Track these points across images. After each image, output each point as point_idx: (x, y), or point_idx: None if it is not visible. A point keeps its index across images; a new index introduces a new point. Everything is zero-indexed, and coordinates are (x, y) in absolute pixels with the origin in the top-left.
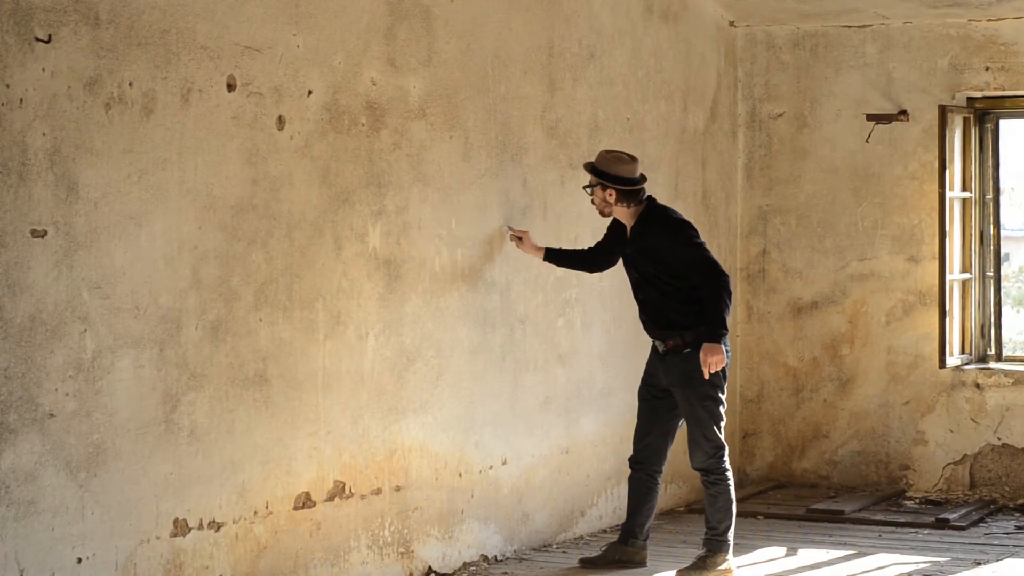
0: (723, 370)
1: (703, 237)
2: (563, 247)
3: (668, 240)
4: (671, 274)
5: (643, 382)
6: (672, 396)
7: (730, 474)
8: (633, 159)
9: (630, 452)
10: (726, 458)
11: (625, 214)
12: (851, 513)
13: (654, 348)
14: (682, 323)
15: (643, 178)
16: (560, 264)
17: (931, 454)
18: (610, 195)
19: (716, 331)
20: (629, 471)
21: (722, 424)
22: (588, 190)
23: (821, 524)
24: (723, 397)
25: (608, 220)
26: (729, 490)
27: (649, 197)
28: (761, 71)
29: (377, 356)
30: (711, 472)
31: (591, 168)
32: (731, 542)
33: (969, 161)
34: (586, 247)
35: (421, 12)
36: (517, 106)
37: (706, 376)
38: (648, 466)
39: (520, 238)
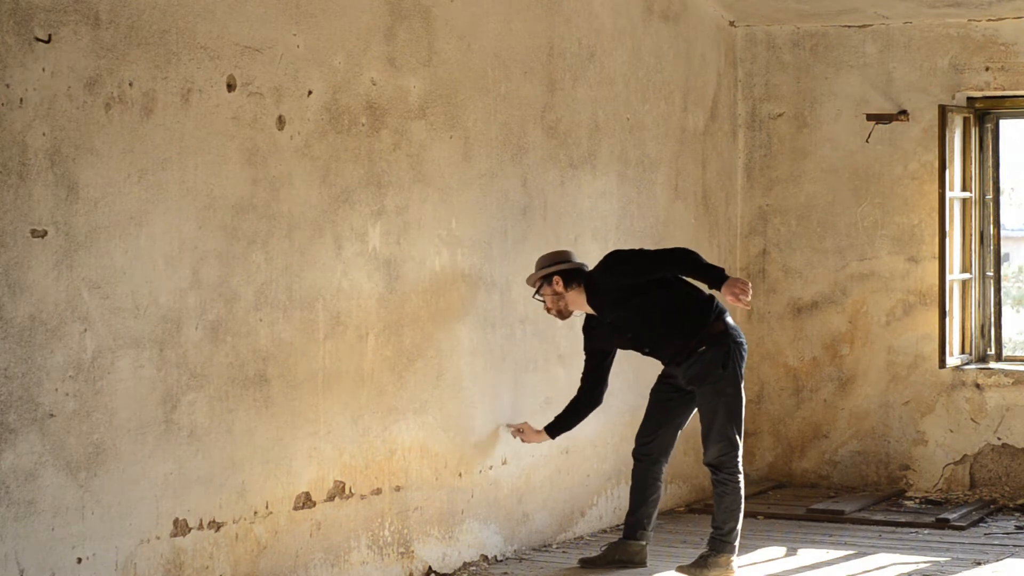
0: (738, 359)
1: (704, 237)
2: (559, 415)
3: (619, 276)
4: (643, 298)
5: (660, 381)
6: (687, 393)
7: (741, 477)
8: (549, 253)
9: (630, 452)
10: (739, 459)
11: (579, 298)
12: (851, 513)
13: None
14: (682, 333)
15: (567, 256)
16: (570, 425)
17: (931, 454)
18: (557, 284)
19: (714, 272)
20: (633, 463)
21: (740, 425)
22: (538, 298)
23: (821, 524)
24: (743, 397)
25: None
26: (738, 491)
27: (589, 273)
28: (761, 71)
29: (377, 356)
30: (720, 469)
31: (531, 280)
32: (735, 545)
33: (969, 161)
34: (574, 398)
35: (421, 12)
36: (517, 106)
37: (745, 306)
38: (655, 457)
39: (521, 431)
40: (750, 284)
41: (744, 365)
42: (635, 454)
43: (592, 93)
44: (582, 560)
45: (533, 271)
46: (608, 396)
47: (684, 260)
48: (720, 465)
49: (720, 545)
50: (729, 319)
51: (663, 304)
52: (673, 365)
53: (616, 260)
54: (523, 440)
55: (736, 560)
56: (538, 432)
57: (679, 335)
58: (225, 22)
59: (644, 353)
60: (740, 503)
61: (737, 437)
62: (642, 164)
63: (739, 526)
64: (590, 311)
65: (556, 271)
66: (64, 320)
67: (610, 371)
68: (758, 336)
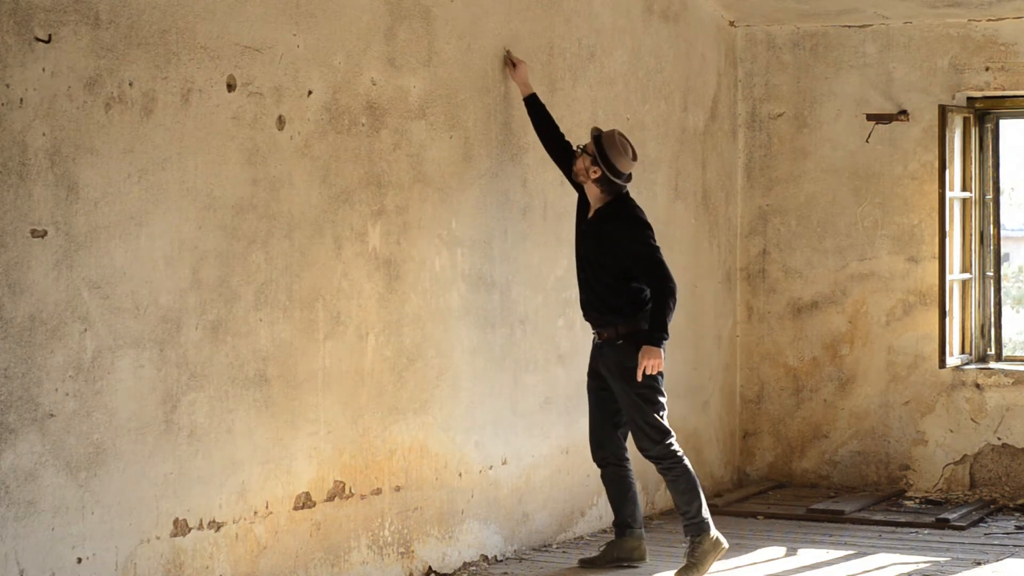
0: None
1: (704, 237)
2: (550, 117)
3: (626, 234)
4: (617, 267)
5: (588, 375)
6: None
7: (682, 454)
8: (635, 158)
9: (630, 452)
10: (674, 442)
11: (595, 195)
12: (851, 513)
13: (593, 338)
14: (618, 314)
15: (630, 178)
16: (532, 118)
17: (931, 454)
18: (594, 172)
19: (657, 335)
20: (599, 470)
21: (663, 412)
22: (579, 150)
23: (821, 524)
24: (660, 386)
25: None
26: (687, 471)
27: (626, 193)
28: (761, 71)
29: (377, 356)
30: (663, 459)
31: (596, 137)
32: (708, 519)
33: (969, 161)
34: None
35: (421, 12)
36: (517, 106)
37: (639, 378)
38: (612, 457)
39: (515, 65)
40: (658, 369)
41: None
42: (596, 460)
43: (592, 93)
44: (582, 560)
45: (593, 139)
46: None
47: (661, 294)
48: (660, 455)
49: (696, 528)
50: None
51: (622, 280)
52: (594, 348)
53: (641, 225)
54: (511, 72)
55: (716, 533)
56: (527, 85)
57: (608, 310)
58: (225, 22)
59: (578, 278)
60: (694, 481)
61: (664, 423)
62: (642, 164)
63: (703, 501)
64: (589, 205)
65: (605, 168)
66: (64, 320)
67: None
68: (758, 336)
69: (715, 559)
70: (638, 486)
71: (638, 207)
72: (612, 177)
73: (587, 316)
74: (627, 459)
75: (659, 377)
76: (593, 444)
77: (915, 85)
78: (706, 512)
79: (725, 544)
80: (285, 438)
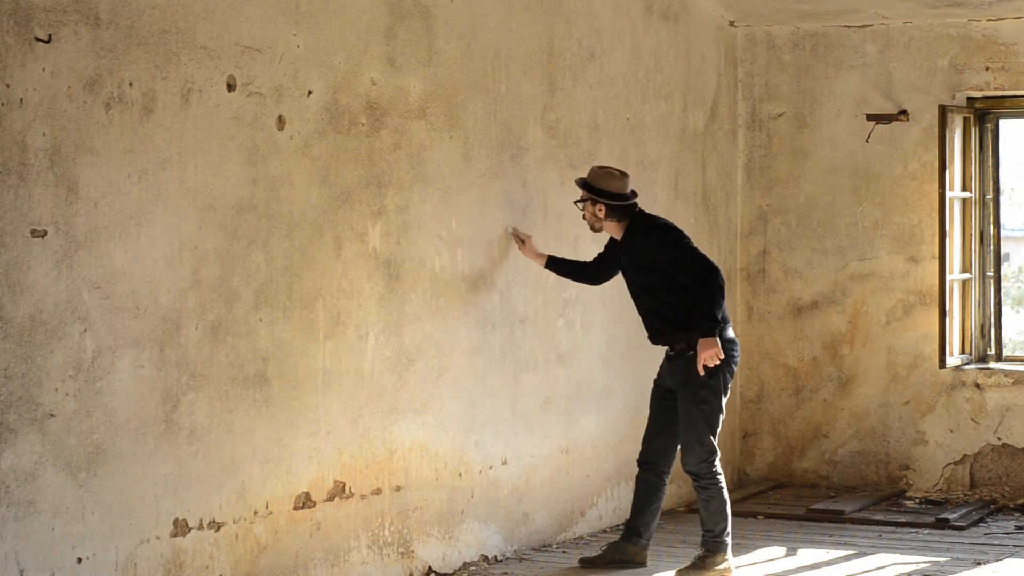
0: (727, 371)
1: (704, 237)
2: (565, 257)
3: (653, 244)
4: (665, 279)
5: (655, 384)
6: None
7: (721, 477)
8: (624, 175)
9: (630, 452)
10: (718, 463)
11: (615, 228)
12: (851, 513)
13: (667, 351)
14: (686, 328)
15: (634, 194)
16: (560, 273)
17: (931, 454)
18: (599, 210)
19: (708, 325)
20: (637, 470)
21: (717, 430)
22: (579, 205)
23: (821, 524)
24: (722, 403)
25: (602, 236)
26: (721, 493)
27: (639, 211)
28: (761, 71)
29: (377, 356)
30: (702, 477)
31: (582, 183)
32: (728, 543)
33: (969, 161)
34: (589, 259)
35: (421, 12)
36: (517, 106)
37: (700, 372)
38: (657, 467)
39: (523, 241)
40: (721, 358)
41: (731, 380)
42: (639, 462)
43: (592, 93)
44: (582, 560)
45: (580, 186)
46: (608, 396)
47: (704, 287)
48: (700, 473)
49: (714, 546)
50: (730, 331)
51: (676, 291)
52: (665, 360)
53: (664, 231)
54: (520, 249)
55: (731, 558)
56: (539, 255)
57: (674, 328)
58: (225, 22)
59: (639, 312)
60: (726, 504)
61: (714, 443)
62: (642, 164)
63: (729, 525)
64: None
65: (605, 199)
66: (64, 320)
67: (615, 275)
68: (758, 336)
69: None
70: (663, 500)
71: (656, 216)
72: (616, 202)
73: (656, 340)
74: (668, 473)
75: (725, 392)
76: (644, 449)
77: (915, 85)
78: (729, 537)
79: (733, 572)
80: (285, 438)
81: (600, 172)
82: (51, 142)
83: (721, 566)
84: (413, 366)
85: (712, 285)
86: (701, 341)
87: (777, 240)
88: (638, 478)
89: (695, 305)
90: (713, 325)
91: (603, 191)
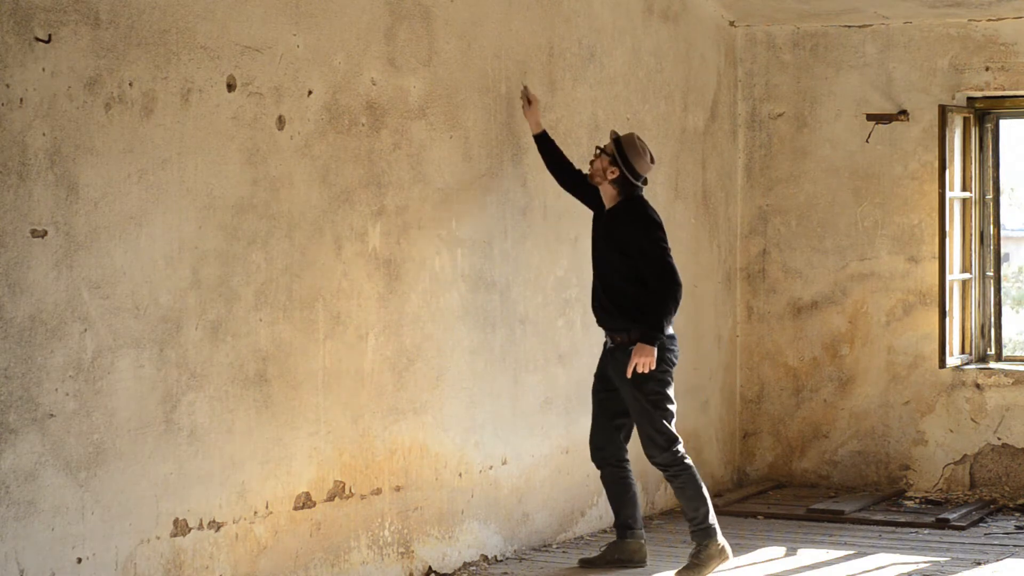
0: (668, 370)
1: (704, 237)
2: (559, 147)
3: (637, 233)
4: (630, 267)
5: (595, 377)
6: (618, 390)
7: (689, 461)
8: (652, 161)
9: (630, 452)
10: (682, 449)
11: (611, 195)
12: (851, 513)
13: (605, 343)
14: (631, 319)
15: (646, 181)
16: (542, 152)
17: (931, 454)
18: (612, 172)
19: (652, 332)
20: (599, 471)
21: (671, 418)
22: (598, 151)
23: (821, 524)
24: (670, 392)
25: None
26: (694, 478)
27: (640, 195)
28: (761, 71)
29: (377, 356)
30: (670, 466)
31: (615, 138)
32: (715, 525)
33: (969, 161)
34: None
35: (421, 12)
36: (517, 106)
37: (628, 375)
38: (613, 458)
39: (530, 102)
40: (649, 368)
41: (672, 370)
42: (595, 463)
43: (592, 93)
44: (582, 560)
45: (613, 140)
46: None
47: (662, 293)
48: (667, 463)
49: (702, 534)
50: (670, 330)
51: (635, 282)
52: (606, 352)
53: (652, 224)
54: (524, 109)
55: (723, 541)
56: (538, 123)
57: (619, 314)
58: (225, 22)
59: (594, 277)
60: (701, 486)
61: (672, 430)
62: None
63: (710, 506)
64: (604, 205)
65: (624, 168)
66: (64, 320)
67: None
68: (758, 336)
69: (718, 565)
70: (638, 487)
71: (651, 207)
72: (630, 178)
73: (599, 320)
74: (627, 460)
75: (670, 382)
76: (593, 446)
77: (915, 85)
78: (713, 519)
79: (730, 553)
80: (285, 438)
81: (636, 144)
82: (51, 142)
83: (716, 557)
84: (413, 366)
85: (671, 296)
86: (639, 346)
87: (777, 240)
88: (602, 478)
89: (648, 304)
90: (657, 334)
91: (627, 161)
